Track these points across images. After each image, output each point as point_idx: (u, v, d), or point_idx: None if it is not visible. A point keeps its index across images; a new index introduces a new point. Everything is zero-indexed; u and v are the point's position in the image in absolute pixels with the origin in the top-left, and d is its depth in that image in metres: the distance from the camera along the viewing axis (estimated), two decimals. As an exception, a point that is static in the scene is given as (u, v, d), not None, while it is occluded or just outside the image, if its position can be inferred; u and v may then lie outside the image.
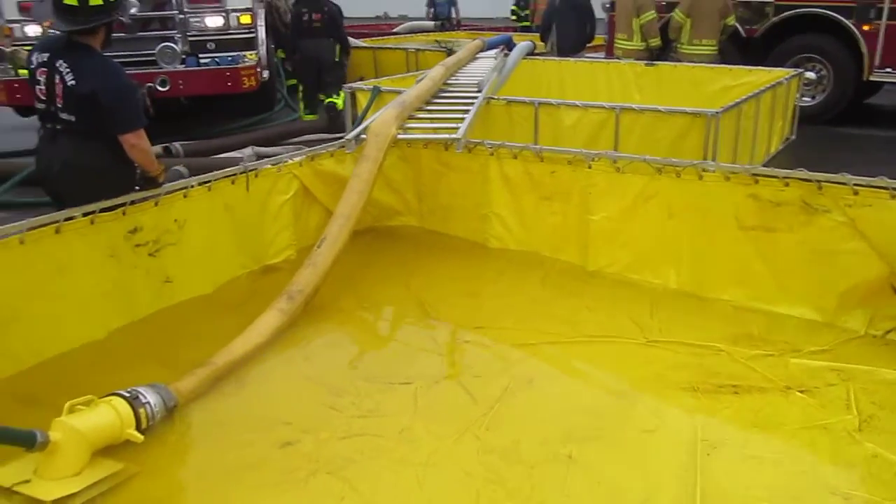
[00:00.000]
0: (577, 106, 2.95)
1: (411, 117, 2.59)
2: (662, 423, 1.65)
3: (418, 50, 5.54)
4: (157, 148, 2.37)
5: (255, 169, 2.34)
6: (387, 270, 2.42)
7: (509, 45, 3.84)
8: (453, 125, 2.50)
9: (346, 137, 2.56)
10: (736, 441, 1.59)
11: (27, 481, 1.39)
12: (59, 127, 1.91)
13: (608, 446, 1.57)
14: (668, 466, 1.51)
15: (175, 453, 1.56)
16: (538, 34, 5.57)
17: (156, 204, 2.04)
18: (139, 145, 1.91)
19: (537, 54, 4.61)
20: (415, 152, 2.68)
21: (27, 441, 1.36)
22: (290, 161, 2.46)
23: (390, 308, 2.23)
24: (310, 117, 4.86)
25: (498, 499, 1.43)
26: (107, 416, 1.49)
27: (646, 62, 4.25)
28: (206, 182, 2.20)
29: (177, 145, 3.59)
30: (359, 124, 2.87)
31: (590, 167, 2.32)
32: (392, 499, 1.43)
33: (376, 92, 3.27)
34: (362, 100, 3.34)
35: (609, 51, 5.27)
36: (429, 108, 2.73)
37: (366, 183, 2.32)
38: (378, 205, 2.69)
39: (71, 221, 1.84)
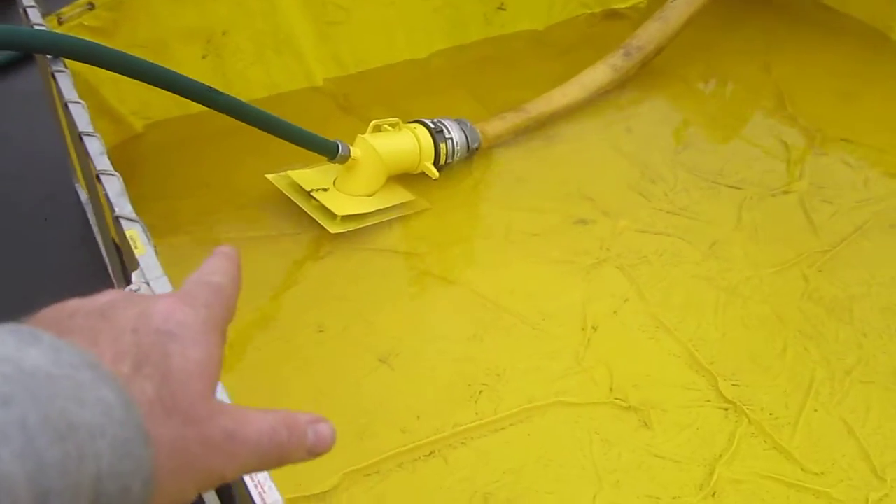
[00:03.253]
0: None
1: None
2: None
3: None
4: None
5: None
6: (750, 43, 1.99)
7: None
8: None
9: None
10: None
11: (325, 189, 1.39)
12: None
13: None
14: None
15: (467, 200, 1.47)
16: None
17: (505, -84, 1.80)
18: None
19: None
20: None
21: (328, 151, 1.33)
22: None
23: (740, 90, 1.85)
24: None
25: (809, 360, 1.17)
26: (408, 143, 1.42)
27: None
28: None
29: None
30: None
31: None
32: (681, 318, 1.23)
33: None
34: None
35: None
36: None
37: (755, -73, 1.84)
38: (762, -42, 2.18)
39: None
